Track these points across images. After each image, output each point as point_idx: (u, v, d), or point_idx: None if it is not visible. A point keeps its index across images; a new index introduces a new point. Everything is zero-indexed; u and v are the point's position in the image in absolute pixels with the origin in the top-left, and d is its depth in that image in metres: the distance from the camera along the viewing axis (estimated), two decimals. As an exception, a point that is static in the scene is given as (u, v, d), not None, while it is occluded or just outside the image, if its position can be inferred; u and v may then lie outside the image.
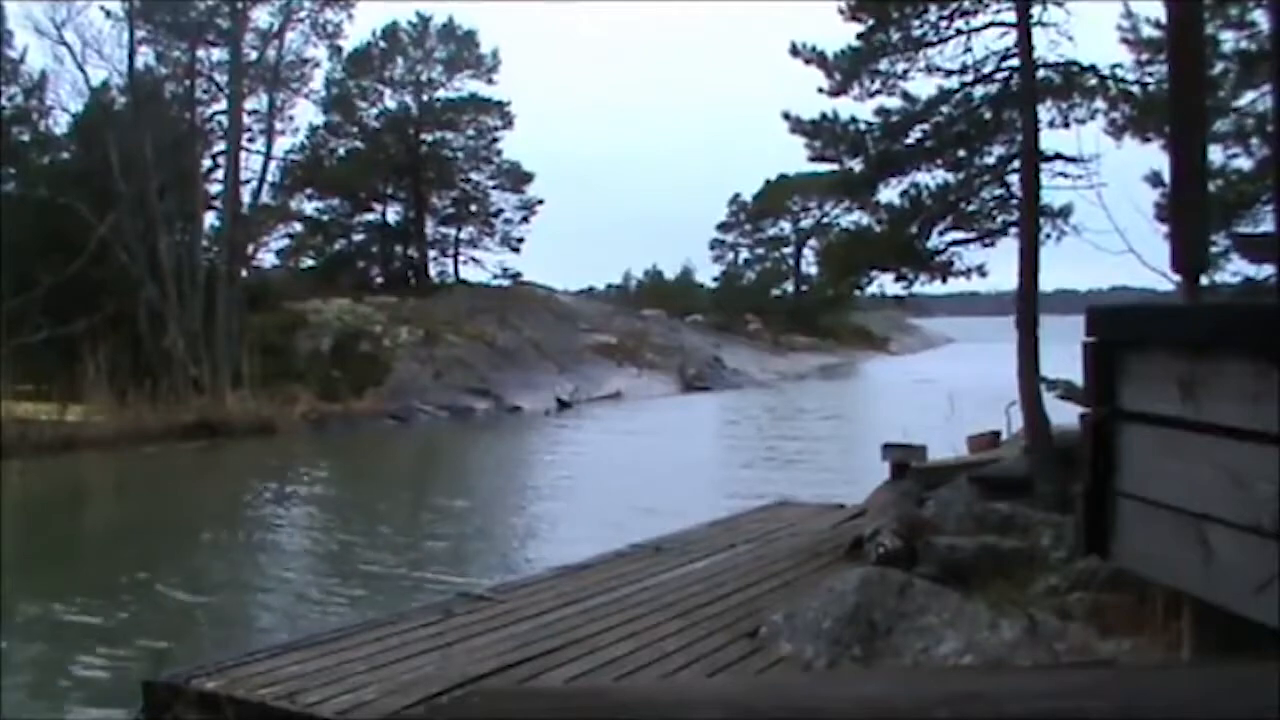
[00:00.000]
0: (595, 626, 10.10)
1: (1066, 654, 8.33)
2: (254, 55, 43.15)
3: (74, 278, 33.20)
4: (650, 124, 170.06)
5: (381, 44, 53.55)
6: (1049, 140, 14.60)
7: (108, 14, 38.87)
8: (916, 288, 16.07)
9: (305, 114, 52.72)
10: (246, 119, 43.67)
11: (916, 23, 15.09)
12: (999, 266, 15.75)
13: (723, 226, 77.42)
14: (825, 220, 69.37)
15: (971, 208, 15.38)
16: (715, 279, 78.32)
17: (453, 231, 56.48)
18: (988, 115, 15.10)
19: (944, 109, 15.28)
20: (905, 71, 15.30)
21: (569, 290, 63.35)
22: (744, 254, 78.37)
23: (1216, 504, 2.55)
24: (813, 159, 16.52)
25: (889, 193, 15.61)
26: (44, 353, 33.37)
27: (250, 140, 44.12)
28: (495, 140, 55.46)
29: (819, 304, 67.85)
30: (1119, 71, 14.79)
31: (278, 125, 45.35)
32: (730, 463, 27.88)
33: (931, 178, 15.37)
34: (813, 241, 72.61)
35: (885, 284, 15.99)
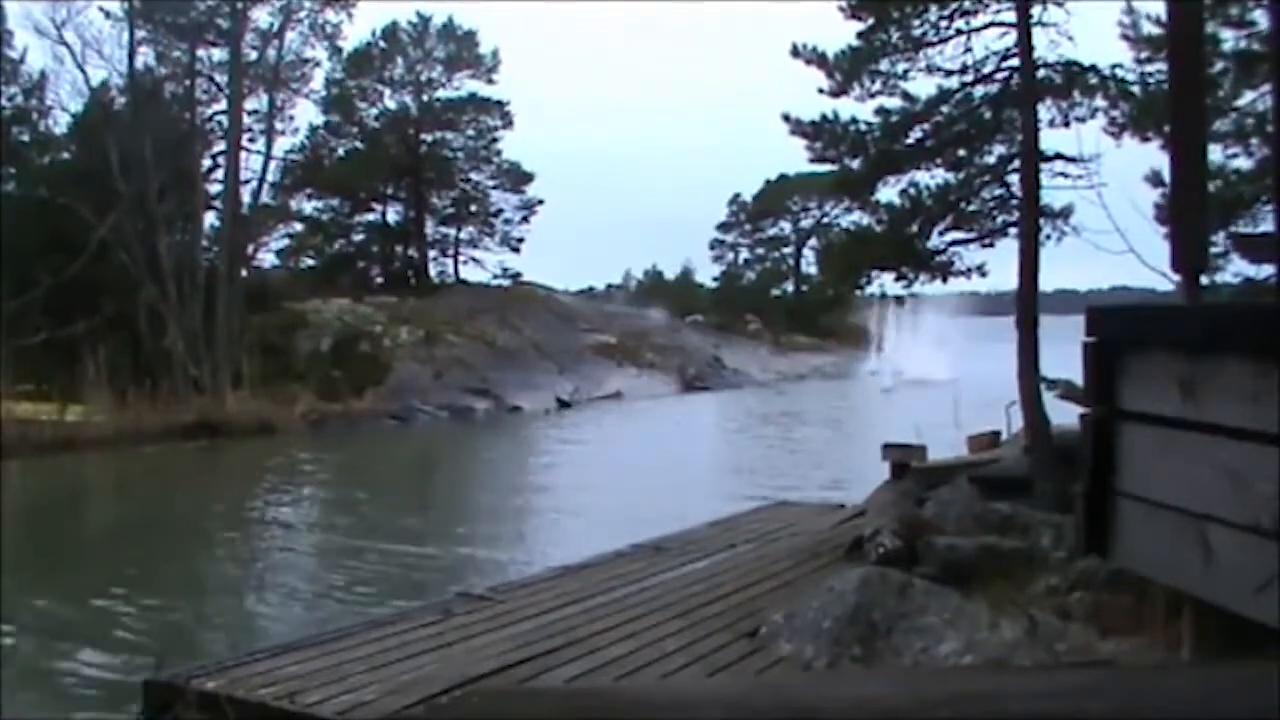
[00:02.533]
0: (595, 626, 10.11)
1: (1067, 654, 8.33)
2: (254, 55, 43.13)
3: (74, 278, 33.16)
4: (650, 124, 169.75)
5: (381, 44, 53.55)
6: (1049, 140, 14.62)
7: (107, 14, 38.90)
8: (916, 287, 16.06)
9: (305, 114, 52.61)
10: (246, 119, 43.66)
11: (917, 22, 15.09)
12: (999, 266, 15.76)
13: (723, 226, 77.36)
14: (825, 220, 69.34)
15: (971, 208, 15.37)
16: (715, 279, 78.23)
17: (453, 231, 56.48)
18: (988, 115, 15.10)
19: (944, 109, 15.28)
20: (905, 71, 15.30)
21: (569, 290, 63.34)
22: (744, 254, 78.28)
23: (1216, 504, 2.55)
24: (813, 160, 16.53)
25: (889, 193, 15.63)
26: (44, 353, 33.37)
27: (250, 140, 44.11)
28: (495, 140, 55.48)
29: (819, 304, 67.75)
30: (1119, 71, 14.80)
31: (278, 125, 45.35)
32: (720, 469, 27.76)
33: (931, 178, 15.38)
34: (813, 241, 72.53)
35: (885, 284, 15.98)
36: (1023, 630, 8.77)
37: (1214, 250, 13.65)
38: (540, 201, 56.60)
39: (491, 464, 30.64)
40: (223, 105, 43.15)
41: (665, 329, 58.10)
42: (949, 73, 15.14)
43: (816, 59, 15.55)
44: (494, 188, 56.33)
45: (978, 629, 8.91)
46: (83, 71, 38.74)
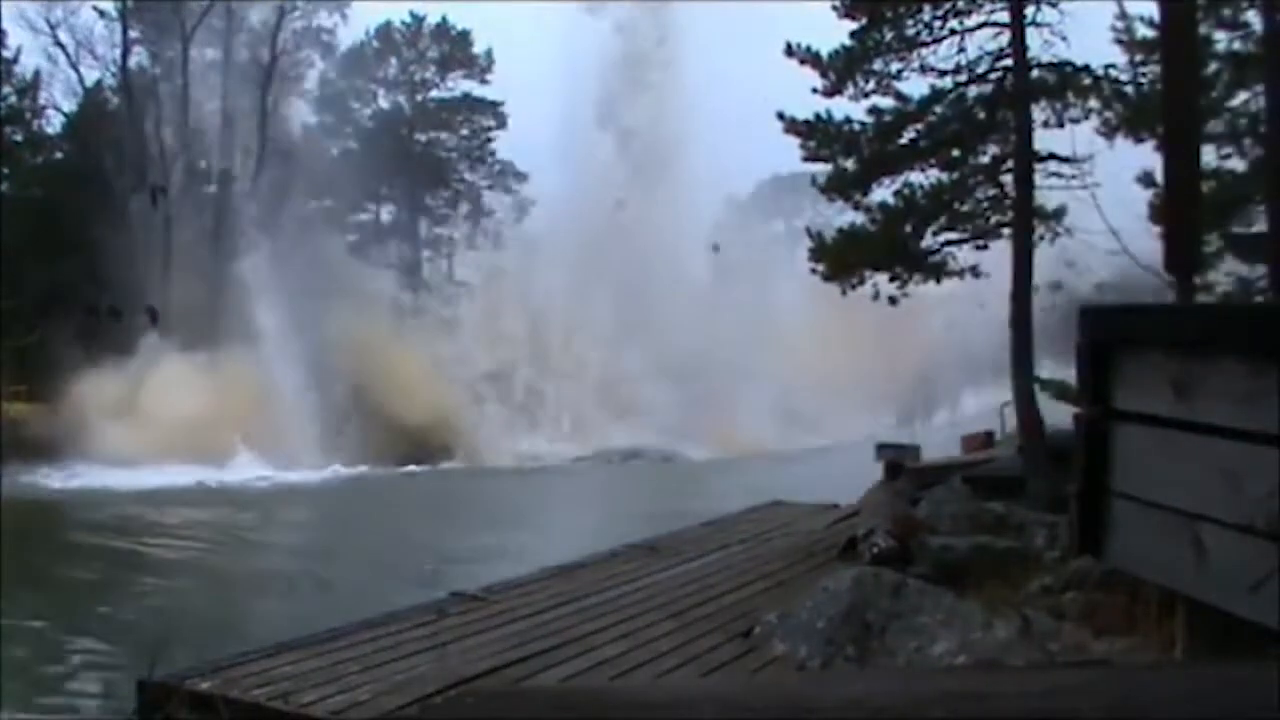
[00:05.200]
0: (589, 627, 10.09)
1: (1060, 654, 8.33)
2: (247, 56, 43.12)
3: (67, 279, 33.13)
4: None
5: (375, 44, 53.48)
6: (1042, 140, 14.63)
7: (101, 14, 38.87)
8: (910, 288, 16.02)
9: (299, 114, 52.52)
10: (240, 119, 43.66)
11: (910, 22, 15.09)
12: (995, 266, 15.71)
13: (716, 226, 77.16)
14: (819, 220, 69.13)
15: (965, 208, 15.37)
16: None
17: (446, 231, 56.40)
18: (981, 115, 15.11)
19: (938, 109, 15.28)
20: (899, 71, 15.30)
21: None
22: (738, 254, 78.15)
23: (1210, 504, 2.55)
24: (806, 159, 16.50)
25: (883, 192, 15.62)
26: (38, 354, 33.34)
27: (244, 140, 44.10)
28: (489, 140, 55.41)
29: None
30: (1112, 71, 14.81)
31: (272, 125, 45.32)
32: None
33: (925, 177, 15.37)
34: (806, 241, 72.26)
35: (879, 284, 15.95)
36: (1016, 630, 8.77)
37: (1207, 250, 13.67)
38: (533, 202, 56.54)
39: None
40: (216, 106, 43.15)
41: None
42: (943, 73, 15.15)
43: (810, 59, 15.54)
44: (487, 188, 56.25)
45: (971, 629, 8.92)
46: (76, 71, 38.75)
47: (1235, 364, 2.50)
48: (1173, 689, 1.76)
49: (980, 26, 14.85)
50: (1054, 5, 14.45)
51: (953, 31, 14.95)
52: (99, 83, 39.74)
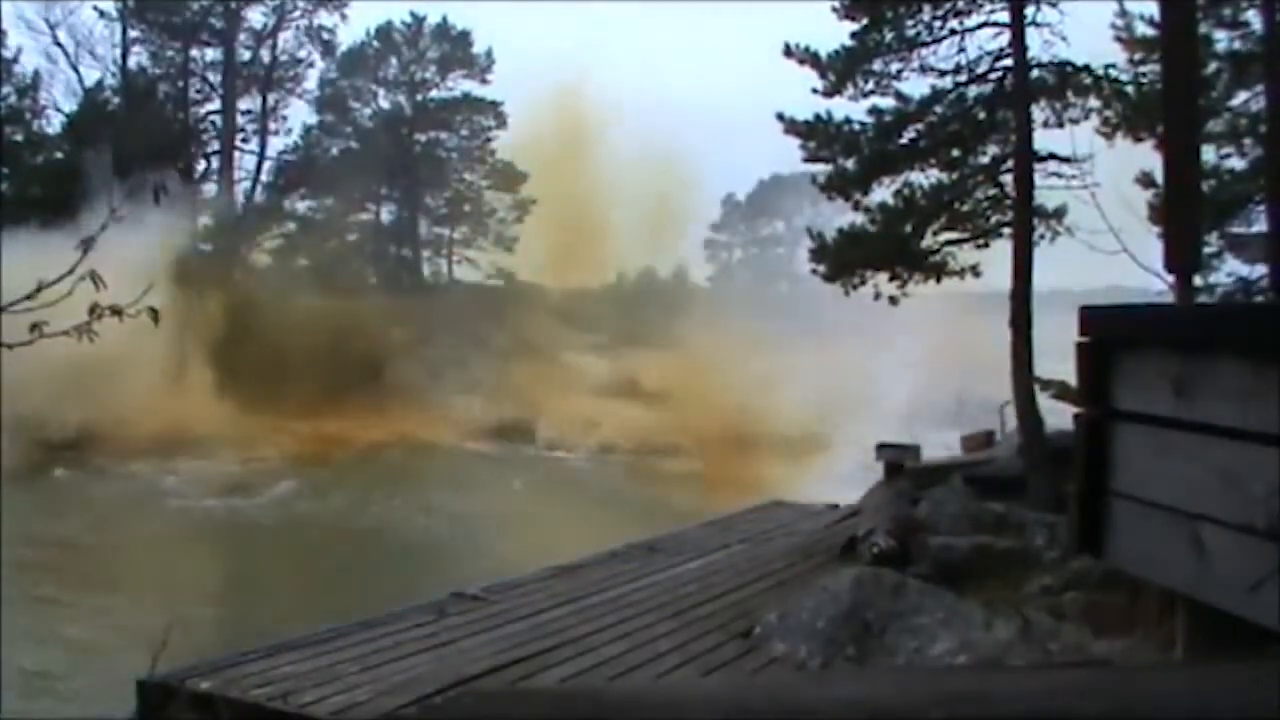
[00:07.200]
0: (589, 627, 10.10)
1: (1060, 654, 8.34)
2: (247, 55, 43.15)
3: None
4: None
5: (375, 44, 53.44)
6: (1042, 140, 14.62)
7: (101, 14, 38.91)
8: (910, 287, 16.00)
9: (299, 114, 52.55)
10: (240, 119, 43.70)
11: (910, 23, 15.08)
12: (994, 266, 15.70)
13: (716, 226, 77.37)
14: (819, 220, 69.16)
15: (965, 208, 15.36)
16: (709, 279, 78.13)
17: (446, 231, 56.42)
18: (981, 115, 15.10)
19: (938, 109, 15.27)
20: (899, 71, 15.30)
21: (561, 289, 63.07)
22: (738, 254, 78.32)
23: (1210, 504, 2.55)
24: (807, 159, 16.48)
25: (883, 192, 15.61)
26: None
27: (244, 140, 44.18)
28: (489, 140, 55.40)
29: (813, 305, 67.56)
30: (1112, 71, 14.81)
31: (271, 125, 45.39)
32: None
33: (925, 177, 15.36)
34: (806, 242, 72.22)
35: (879, 284, 15.93)
36: (1016, 630, 8.78)
37: (1207, 250, 13.69)
38: (534, 201, 56.54)
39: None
40: (216, 105, 43.20)
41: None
42: (942, 73, 15.14)
43: (810, 59, 15.53)
44: (487, 187, 56.25)
45: (971, 629, 8.92)
46: (76, 72, 38.79)
47: (1235, 364, 2.50)
48: (1173, 689, 1.76)
49: (980, 26, 14.84)
50: (1054, 5, 14.44)
51: (953, 31, 14.94)
52: (99, 83, 39.83)
